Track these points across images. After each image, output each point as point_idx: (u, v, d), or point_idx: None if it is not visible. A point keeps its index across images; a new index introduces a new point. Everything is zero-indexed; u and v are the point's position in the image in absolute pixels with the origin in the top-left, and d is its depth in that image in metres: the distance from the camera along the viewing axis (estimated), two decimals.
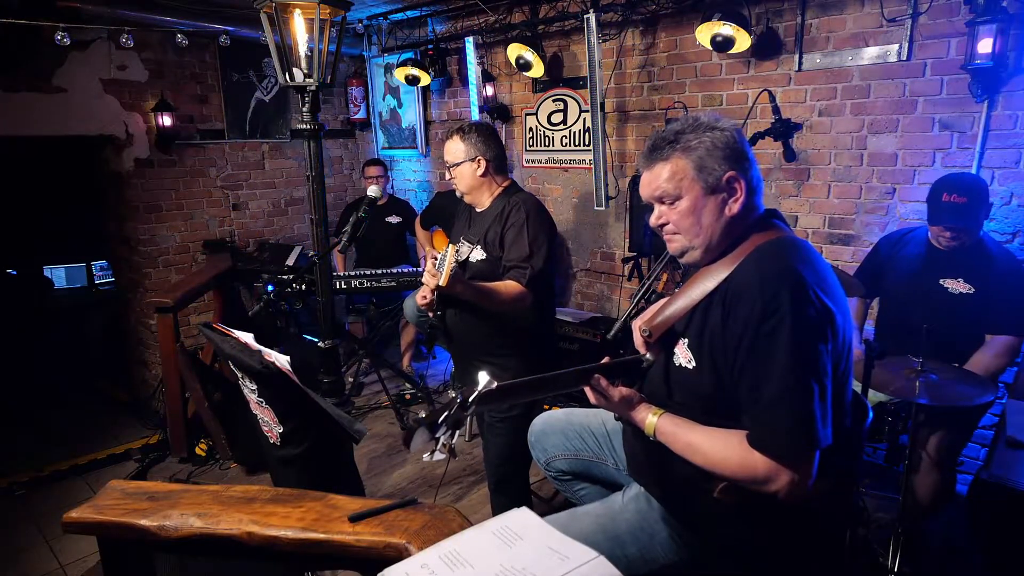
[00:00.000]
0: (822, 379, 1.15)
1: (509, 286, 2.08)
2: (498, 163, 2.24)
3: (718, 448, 1.22)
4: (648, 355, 1.42)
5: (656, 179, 1.30)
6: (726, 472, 1.21)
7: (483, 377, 1.22)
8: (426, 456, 1.42)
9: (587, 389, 1.37)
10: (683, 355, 1.31)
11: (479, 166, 2.20)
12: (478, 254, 2.20)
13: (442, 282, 1.90)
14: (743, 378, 1.19)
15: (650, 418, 1.32)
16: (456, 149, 2.21)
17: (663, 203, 1.32)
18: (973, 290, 2.30)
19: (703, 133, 1.27)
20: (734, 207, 1.28)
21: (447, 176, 2.29)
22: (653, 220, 1.35)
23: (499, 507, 2.36)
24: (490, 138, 2.22)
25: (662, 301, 1.42)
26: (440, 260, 1.97)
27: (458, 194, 2.30)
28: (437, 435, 1.17)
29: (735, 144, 1.27)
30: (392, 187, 5.32)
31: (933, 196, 2.29)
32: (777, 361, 1.14)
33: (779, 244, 1.26)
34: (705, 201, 1.28)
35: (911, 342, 2.15)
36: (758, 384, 1.16)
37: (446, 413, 1.15)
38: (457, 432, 1.20)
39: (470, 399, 1.17)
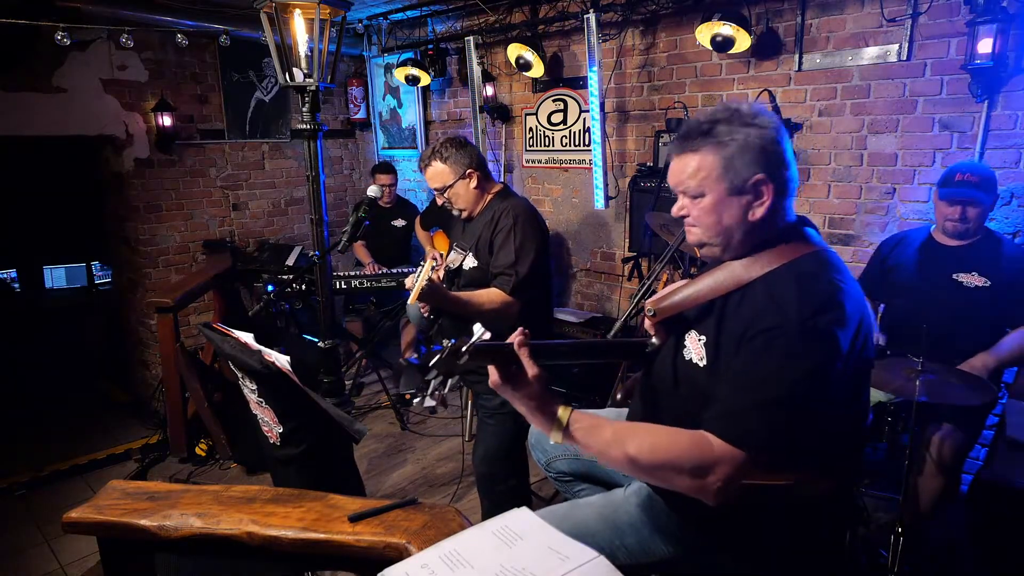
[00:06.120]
0: (820, 405, 1.14)
1: (492, 295, 2.07)
2: (484, 169, 2.21)
3: (660, 431, 1.19)
4: (654, 339, 1.39)
5: (681, 172, 1.25)
6: (661, 452, 1.14)
7: (478, 328, 1.19)
8: (416, 400, 1.43)
9: (492, 369, 1.18)
10: (695, 350, 1.28)
11: (472, 179, 2.16)
12: (470, 261, 2.19)
13: (410, 300, 1.92)
14: (741, 378, 1.17)
15: (563, 410, 1.20)
16: (442, 172, 2.15)
17: (686, 195, 1.27)
18: (989, 283, 2.30)
19: (739, 128, 1.20)
20: (758, 211, 1.22)
21: (438, 202, 2.23)
22: (675, 210, 1.31)
23: (483, 508, 2.35)
24: (465, 147, 2.18)
25: (673, 285, 1.39)
26: (419, 271, 1.96)
27: (455, 212, 2.24)
28: (428, 377, 1.16)
29: (772, 144, 1.20)
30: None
31: (946, 177, 2.35)
32: (787, 375, 1.12)
33: (819, 263, 1.21)
34: (728, 202, 1.22)
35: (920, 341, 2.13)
36: (757, 387, 1.14)
37: (438, 357, 1.13)
38: (449, 382, 1.19)
39: (463, 348, 1.13)
